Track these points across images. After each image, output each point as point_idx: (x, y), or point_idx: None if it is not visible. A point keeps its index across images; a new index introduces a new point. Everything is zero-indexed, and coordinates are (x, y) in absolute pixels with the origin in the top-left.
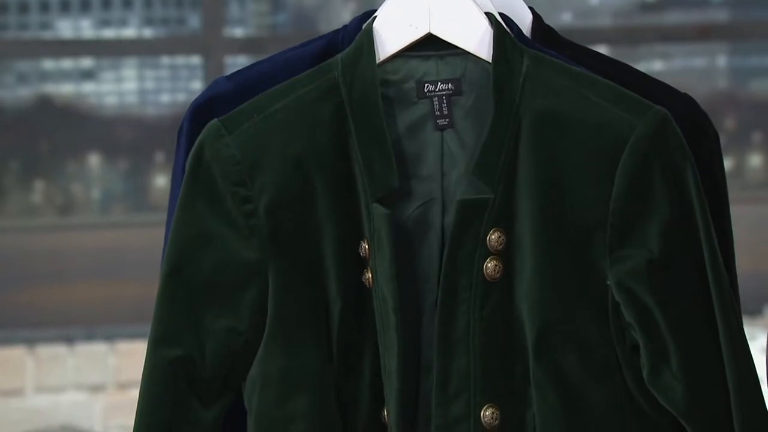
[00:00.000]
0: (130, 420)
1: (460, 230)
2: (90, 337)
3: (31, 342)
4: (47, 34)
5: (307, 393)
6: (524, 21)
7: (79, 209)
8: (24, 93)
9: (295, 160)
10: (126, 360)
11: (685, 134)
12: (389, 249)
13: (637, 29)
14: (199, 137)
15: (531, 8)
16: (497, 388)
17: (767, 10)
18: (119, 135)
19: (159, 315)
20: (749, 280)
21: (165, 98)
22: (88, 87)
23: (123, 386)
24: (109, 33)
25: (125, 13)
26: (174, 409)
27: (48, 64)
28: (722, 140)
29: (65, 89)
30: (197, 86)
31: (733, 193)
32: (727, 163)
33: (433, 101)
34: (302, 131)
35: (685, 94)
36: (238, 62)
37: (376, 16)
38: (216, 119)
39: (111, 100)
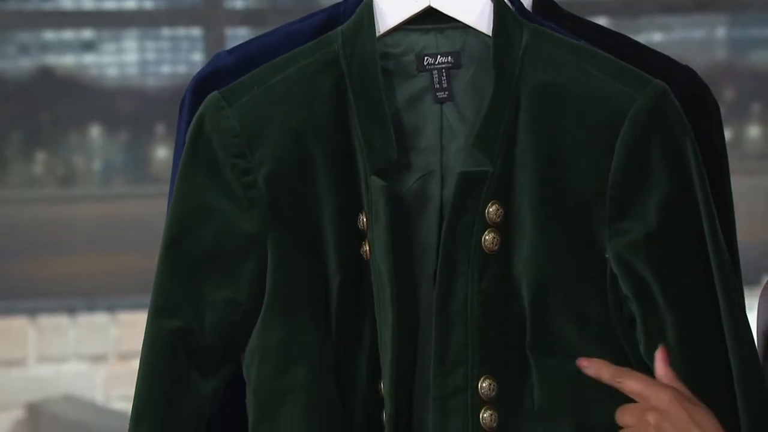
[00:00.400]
0: (131, 390)
1: (460, 202)
2: (91, 307)
3: (32, 312)
4: (48, 5)
5: (305, 365)
6: None
7: (80, 181)
8: (25, 64)
9: (294, 132)
10: (127, 330)
11: (686, 106)
12: (386, 221)
13: (637, 1)
14: (199, 109)
15: None
16: (495, 359)
17: None
18: (120, 107)
19: (159, 286)
20: (747, 250)
21: (165, 70)
22: (88, 58)
23: (124, 357)
24: (109, 4)
25: None
26: (173, 379)
27: (49, 35)
28: (721, 111)
29: (66, 61)
30: (198, 58)
31: (731, 164)
32: (726, 135)
33: (432, 74)
34: (302, 104)
35: (686, 66)
36: (238, 34)
37: None
38: (216, 91)
39: (112, 72)
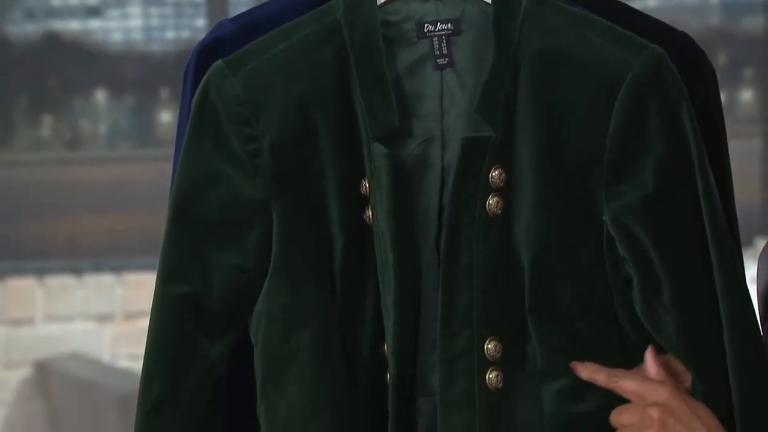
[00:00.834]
0: (138, 349)
1: (464, 168)
2: (98, 268)
3: (40, 273)
4: None
5: (310, 328)
6: None
7: (86, 144)
8: (31, 29)
9: (298, 100)
10: (133, 291)
11: (682, 72)
12: (388, 186)
13: None
14: (204, 78)
15: None
16: (499, 322)
17: None
18: (125, 71)
19: (166, 252)
20: (740, 212)
21: (169, 35)
22: (94, 24)
23: (130, 316)
24: None
25: None
26: (181, 343)
27: (55, 1)
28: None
29: (72, 26)
30: (201, 23)
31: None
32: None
33: (432, 41)
34: (305, 72)
35: (682, 32)
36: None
37: None
38: (220, 60)
39: (117, 37)
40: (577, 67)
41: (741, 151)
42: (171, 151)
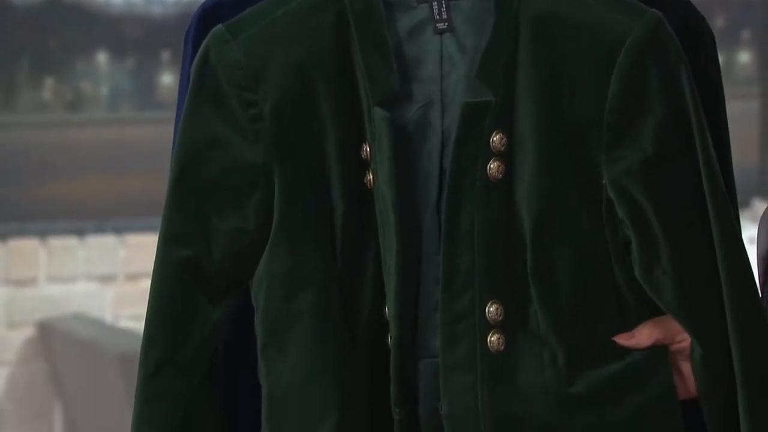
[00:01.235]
0: (139, 309)
1: (465, 132)
2: (100, 229)
3: (43, 234)
4: None
5: (311, 291)
6: None
7: (87, 106)
8: None
9: (298, 65)
10: (135, 252)
11: (681, 36)
12: (389, 150)
13: None
14: (204, 42)
15: None
16: (500, 285)
17: None
18: (126, 33)
19: (168, 216)
20: (737, 172)
21: None
22: None
23: (132, 277)
24: None
25: None
26: (183, 306)
27: None
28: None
29: None
30: None
31: None
32: None
33: (432, 5)
34: (305, 37)
35: None
36: None
37: None
38: (221, 24)
39: None
40: (577, 31)
41: (739, 113)
42: (172, 113)
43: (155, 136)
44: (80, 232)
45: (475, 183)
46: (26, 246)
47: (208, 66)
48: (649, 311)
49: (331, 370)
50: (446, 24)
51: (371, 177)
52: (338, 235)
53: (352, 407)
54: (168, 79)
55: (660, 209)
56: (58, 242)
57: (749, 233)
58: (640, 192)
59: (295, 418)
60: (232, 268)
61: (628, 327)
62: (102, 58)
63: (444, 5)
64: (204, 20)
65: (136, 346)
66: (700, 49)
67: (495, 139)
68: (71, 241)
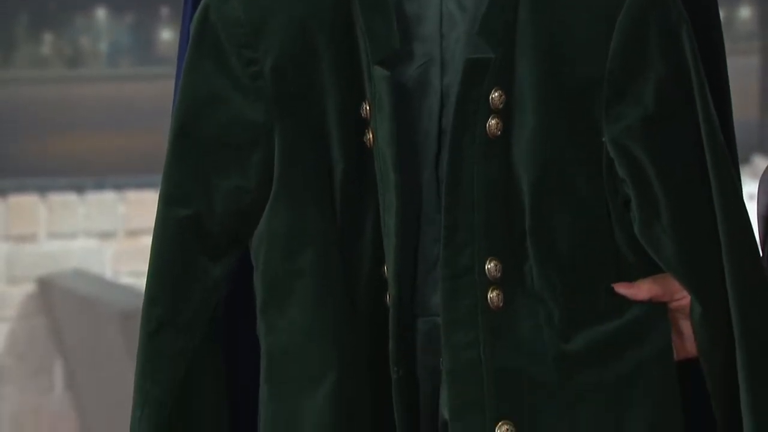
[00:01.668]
0: (139, 265)
1: (465, 89)
2: (100, 186)
3: (42, 190)
4: None
5: (311, 249)
6: None
7: (87, 62)
8: None
9: (298, 23)
10: (135, 208)
11: None
12: (389, 109)
13: None
14: (203, 0)
15: None
16: (499, 242)
17: None
18: None
19: (168, 174)
20: (738, 128)
21: None
22: None
23: (132, 233)
24: None
25: None
26: (183, 264)
27: None
28: None
29: None
30: None
31: None
32: None
33: None
34: None
35: None
36: None
37: None
38: None
39: None
40: None
41: (739, 68)
42: (172, 69)
43: (155, 91)
44: (80, 189)
45: (474, 140)
46: (26, 202)
47: (208, 23)
48: (649, 270)
49: (331, 328)
50: None
51: (371, 136)
52: (338, 194)
53: (351, 366)
54: (167, 35)
55: (660, 168)
56: (57, 198)
57: (749, 189)
58: (641, 150)
59: (294, 377)
60: (233, 227)
61: None
62: (101, 13)
63: None
64: None
65: (136, 302)
66: (700, 7)
67: (494, 96)
68: (71, 198)
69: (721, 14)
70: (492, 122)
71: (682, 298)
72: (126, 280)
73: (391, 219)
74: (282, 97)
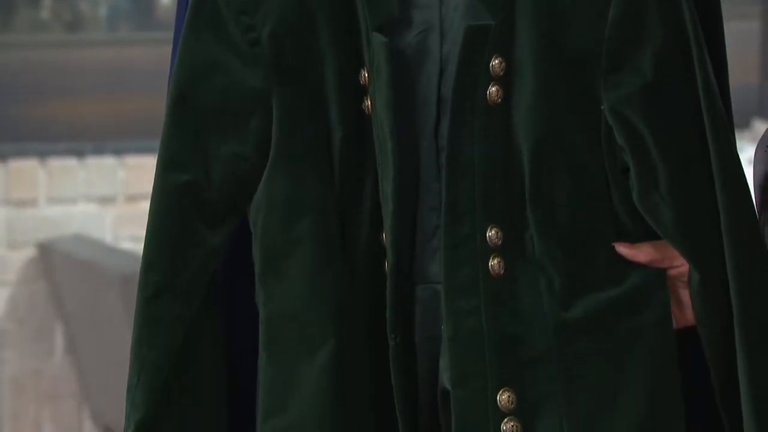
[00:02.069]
0: (139, 230)
1: (466, 56)
2: (99, 150)
3: (42, 155)
4: None
5: (310, 217)
6: None
7: (86, 26)
8: None
9: None
10: (134, 173)
11: None
12: (387, 75)
13: None
14: None
15: None
16: (499, 209)
17: None
18: None
19: (166, 141)
20: (737, 93)
21: None
22: None
23: (132, 198)
24: None
25: None
26: (181, 231)
27: None
28: None
29: None
30: None
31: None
32: None
33: None
34: None
35: None
36: None
37: None
38: None
39: None
40: None
41: (740, 33)
42: (171, 34)
43: (154, 56)
44: (80, 153)
45: (474, 107)
46: (26, 166)
47: None
48: (647, 238)
49: (329, 295)
50: None
51: (369, 103)
52: (336, 161)
53: (350, 333)
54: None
55: (658, 135)
56: (57, 163)
57: (748, 154)
58: (639, 118)
59: (293, 343)
60: (231, 194)
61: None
62: None
63: None
64: None
65: (136, 267)
66: None
67: (494, 63)
68: (71, 162)
69: None
70: (492, 90)
71: (680, 265)
72: (126, 244)
73: (389, 186)
74: (280, 63)
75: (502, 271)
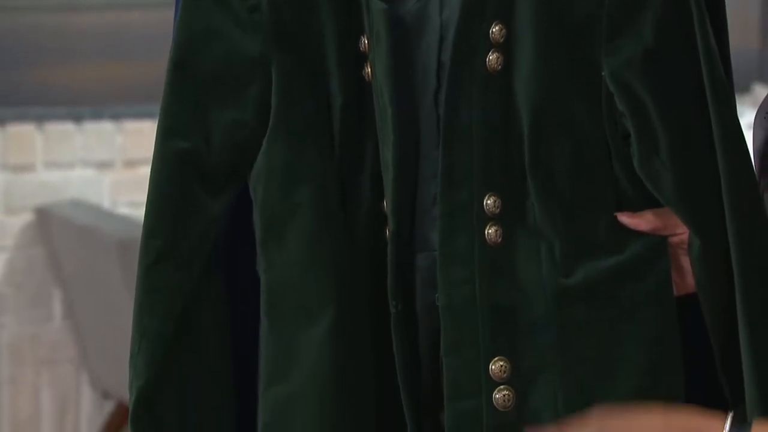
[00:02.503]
0: (137, 196)
1: (465, 23)
2: (97, 115)
3: (39, 119)
4: None
5: (310, 185)
6: None
7: None
8: None
9: None
10: (133, 138)
11: None
12: (387, 43)
13: None
14: None
15: None
16: (498, 177)
17: None
18: None
19: (166, 107)
20: (737, 57)
21: None
22: None
23: (130, 164)
24: None
25: None
26: (181, 199)
27: None
28: None
29: None
30: None
31: None
32: None
33: None
34: None
35: None
36: None
37: None
38: None
39: None
40: None
41: None
42: None
43: (154, 20)
44: (77, 118)
45: (474, 75)
46: (23, 131)
47: None
48: (648, 205)
49: (330, 263)
50: None
51: (369, 70)
52: (336, 129)
53: (350, 301)
54: None
55: (659, 101)
56: (55, 128)
57: (749, 119)
58: (640, 83)
59: (293, 311)
60: (231, 161)
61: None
62: None
63: None
64: None
65: (134, 233)
66: None
67: (494, 30)
68: (68, 127)
69: None
70: (492, 57)
71: (682, 232)
72: (124, 210)
73: (389, 153)
74: (279, 29)
75: (499, 240)
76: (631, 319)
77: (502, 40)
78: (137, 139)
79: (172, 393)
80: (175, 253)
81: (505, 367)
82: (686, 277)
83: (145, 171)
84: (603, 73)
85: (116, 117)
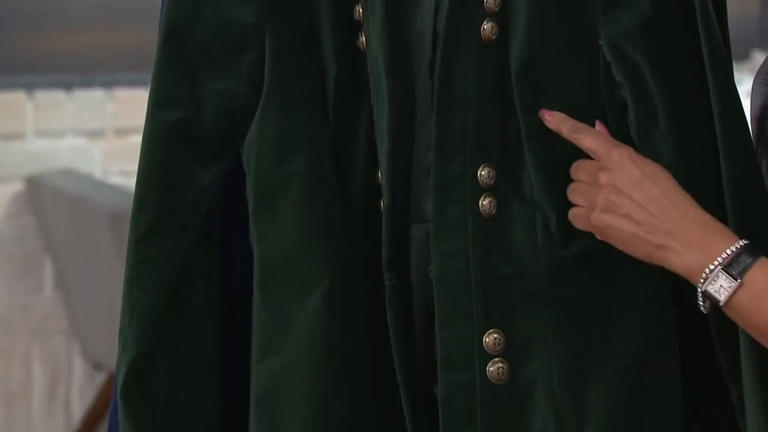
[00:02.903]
0: (128, 165)
1: None
2: (88, 83)
3: (29, 87)
4: None
5: (304, 155)
6: None
7: None
8: None
9: None
10: (124, 107)
11: None
12: (382, 12)
13: None
14: None
15: None
16: (493, 148)
17: None
18: None
19: (158, 76)
20: (737, 24)
21: None
22: None
23: (121, 132)
24: None
25: None
26: (174, 168)
27: None
28: None
29: None
30: None
31: None
32: None
33: None
34: None
35: None
36: None
37: None
38: None
39: None
40: None
41: None
42: None
43: None
44: (67, 86)
45: (468, 44)
46: (12, 99)
47: None
48: None
49: (324, 235)
50: None
51: (364, 39)
52: (331, 99)
53: (345, 272)
54: None
55: (657, 70)
56: (45, 96)
57: (747, 86)
58: (638, 53)
59: (287, 284)
60: (223, 131)
61: None
62: None
63: None
64: None
65: (126, 202)
66: None
67: None
68: (59, 95)
69: None
70: (486, 26)
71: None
72: (115, 179)
73: (384, 123)
74: None
75: (493, 211)
76: (627, 294)
77: (496, 9)
78: (129, 107)
79: (162, 366)
80: (166, 223)
81: (499, 339)
82: None
83: (137, 140)
84: (600, 43)
85: (107, 85)
